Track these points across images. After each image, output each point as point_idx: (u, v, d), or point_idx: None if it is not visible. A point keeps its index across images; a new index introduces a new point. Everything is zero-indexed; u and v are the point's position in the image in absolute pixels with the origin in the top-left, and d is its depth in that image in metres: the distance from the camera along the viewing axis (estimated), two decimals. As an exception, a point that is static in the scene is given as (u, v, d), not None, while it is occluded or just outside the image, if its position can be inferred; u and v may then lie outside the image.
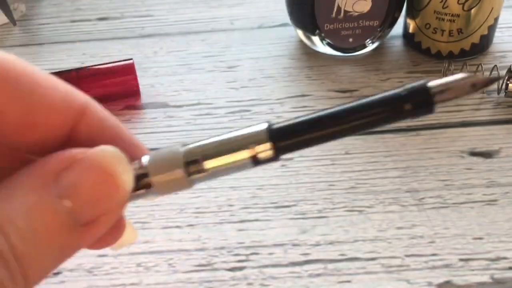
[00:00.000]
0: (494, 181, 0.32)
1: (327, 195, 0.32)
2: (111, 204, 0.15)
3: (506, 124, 0.35)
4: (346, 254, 0.28)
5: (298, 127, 0.17)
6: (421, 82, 0.16)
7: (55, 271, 0.17)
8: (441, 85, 0.15)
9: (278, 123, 0.17)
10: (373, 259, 0.28)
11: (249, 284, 0.28)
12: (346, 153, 0.34)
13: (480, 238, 0.29)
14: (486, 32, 0.38)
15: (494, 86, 0.37)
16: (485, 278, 0.27)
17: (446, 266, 0.28)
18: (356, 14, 0.38)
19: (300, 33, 0.41)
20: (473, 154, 0.33)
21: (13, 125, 0.15)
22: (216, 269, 0.28)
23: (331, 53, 0.41)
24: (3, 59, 0.15)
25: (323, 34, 0.39)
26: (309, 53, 0.42)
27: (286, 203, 0.31)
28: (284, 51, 0.43)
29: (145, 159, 0.17)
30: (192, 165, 0.17)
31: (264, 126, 0.17)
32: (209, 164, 0.17)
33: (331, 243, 0.29)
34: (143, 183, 0.17)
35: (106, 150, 0.15)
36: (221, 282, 0.28)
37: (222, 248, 0.29)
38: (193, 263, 0.29)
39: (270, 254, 0.29)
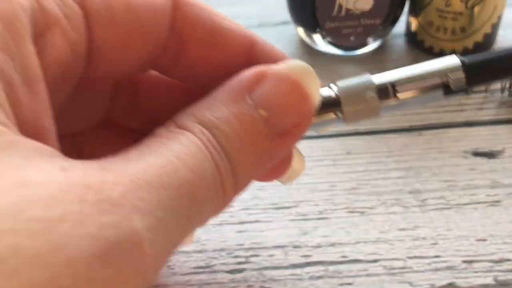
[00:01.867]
0: (497, 182, 0.31)
1: (328, 196, 0.31)
2: (302, 114, 0.16)
3: (509, 124, 0.35)
4: (347, 256, 0.28)
5: (489, 60, 0.17)
6: None
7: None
8: None
9: (467, 56, 0.18)
10: (375, 261, 0.28)
11: (249, 286, 0.27)
12: (348, 154, 0.34)
13: (484, 240, 0.28)
14: (489, 31, 0.38)
15: (498, 85, 0.36)
16: (488, 280, 0.27)
17: (449, 268, 0.27)
18: (358, 12, 0.38)
19: (301, 31, 0.41)
20: (477, 154, 0.33)
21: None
22: (215, 271, 0.28)
23: (332, 51, 0.40)
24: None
25: (324, 33, 0.39)
26: (310, 51, 0.41)
27: (287, 204, 0.31)
28: (285, 49, 0.42)
29: (335, 85, 0.18)
30: (383, 92, 0.18)
31: (455, 57, 0.18)
32: (401, 89, 0.18)
33: (332, 244, 0.29)
34: (333, 109, 0.17)
35: (295, 64, 0.16)
36: (221, 285, 0.27)
37: (222, 250, 0.29)
38: (192, 265, 0.28)
39: (270, 256, 0.28)
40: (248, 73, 0.16)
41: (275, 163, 0.17)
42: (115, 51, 0.16)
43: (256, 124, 0.15)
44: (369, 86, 0.17)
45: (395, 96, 0.17)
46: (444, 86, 0.17)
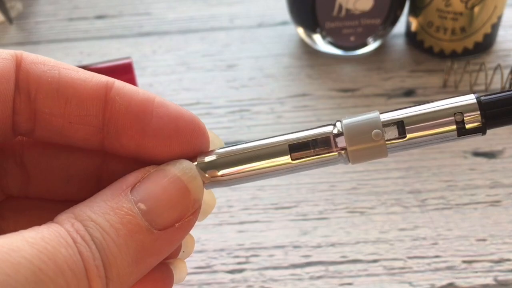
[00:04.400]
0: (497, 182, 0.31)
1: (328, 196, 0.31)
2: (182, 210, 0.16)
3: (510, 124, 0.35)
4: (347, 256, 0.28)
5: (507, 99, 0.16)
6: None
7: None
8: None
9: (485, 95, 0.16)
10: (375, 261, 0.28)
11: (249, 286, 0.27)
12: (348, 153, 0.34)
13: (484, 240, 0.28)
14: (489, 31, 0.38)
15: (498, 85, 0.36)
16: (488, 280, 0.27)
17: (449, 268, 0.27)
18: (358, 12, 0.38)
19: (301, 31, 0.41)
20: (477, 154, 0.33)
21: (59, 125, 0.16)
22: (215, 271, 0.28)
23: (332, 51, 0.40)
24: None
25: (324, 33, 0.39)
26: (310, 51, 0.41)
27: (287, 204, 0.31)
28: (285, 49, 0.42)
29: (340, 124, 0.17)
30: (391, 131, 0.16)
31: (471, 96, 0.16)
32: (410, 128, 0.16)
33: (332, 244, 0.29)
34: (337, 148, 0.17)
35: (178, 162, 0.17)
36: (221, 285, 0.27)
37: (222, 250, 0.29)
38: (192, 265, 0.28)
39: (270, 256, 0.28)
40: (132, 173, 0.16)
41: (161, 258, 0.16)
42: None
43: (134, 218, 0.15)
44: (376, 124, 0.16)
45: (403, 135, 0.16)
46: (458, 126, 0.16)
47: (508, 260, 0.27)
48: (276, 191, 0.32)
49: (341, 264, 0.28)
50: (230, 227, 0.30)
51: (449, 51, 0.39)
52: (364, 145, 0.16)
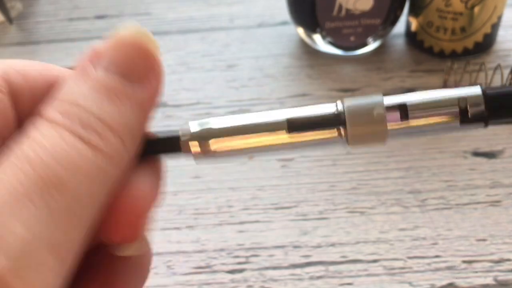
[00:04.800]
0: (497, 182, 0.31)
1: (328, 196, 0.31)
2: (149, 63, 0.17)
3: (509, 124, 0.35)
4: (347, 256, 0.28)
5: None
6: None
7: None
8: None
9: (491, 88, 0.16)
10: (375, 261, 0.28)
11: (249, 286, 0.27)
12: (348, 154, 0.34)
13: (484, 240, 0.28)
14: (489, 31, 0.38)
15: (498, 84, 0.36)
16: (488, 280, 0.27)
17: (449, 268, 0.27)
18: (358, 12, 0.38)
19: (301, 31, 0.41)
20: (477, 154, 0.33)
21: None
22: (215, 271, 0.28)
23: (332, 51, 0.40)
24: None
25: (324, 33, 0.39)
26: (310, 51, 0.41)
27: (287, 204, 0.31)
28: (285, 49, 0.42)
29: (341, 104, 0.16)
30: (393, 113, 0.16)
31: (477, 87, 0.16)
32: (413, 113, 0.16)
33: (332, 244, 0.29)
34: (337, 128, 0.16)
35: (132, 28, 0.17)
36: (221, 285, 0.27)
37: (222, 250, 0.29)
38: (192, 265, 0.28)
39: (270, 256, 0.28)
40: (84, 56, 0.16)
41: (154, 105, 0.17)
42: None
43: (113, 82, 0.15)
44: (379, 105, 0.16)
45: (406, 119, 0.16)
46: (462, 113, 0.16)
47: (508, 260, 0.27)
48: (276, 191, 0.32)
49: (341, 264, 0.28)
50: (230, 227, 0.30)
51: (449, 51, 0.39)
52: (365, 126, 0.16)
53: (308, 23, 0.39)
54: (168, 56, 0.42)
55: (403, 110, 0.16)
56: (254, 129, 0.16)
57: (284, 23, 0.44)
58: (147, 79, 0.17)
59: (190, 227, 0.30)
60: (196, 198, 0.31)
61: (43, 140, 0.13)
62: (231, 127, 0.17)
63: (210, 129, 0.17)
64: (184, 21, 0.46)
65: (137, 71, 0.16)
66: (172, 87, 0.39)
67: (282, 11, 0.43)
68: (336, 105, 0.16)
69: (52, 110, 0.14)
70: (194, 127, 0.17)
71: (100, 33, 0.45)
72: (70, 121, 0.14)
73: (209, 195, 0.32)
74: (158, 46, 0.17)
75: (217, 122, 0.17)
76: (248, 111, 0.37)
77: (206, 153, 0.17)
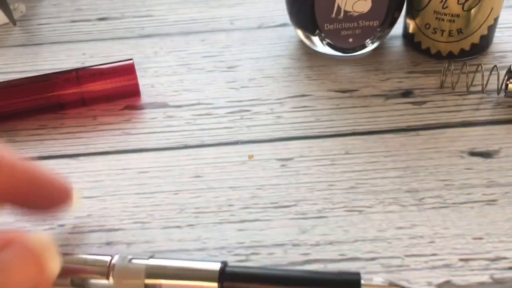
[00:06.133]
0: (494, 181, 0.32)
1: (327, 195, 0.32)
2: (36, 281, 0.18)
3: (506, 124, 0.35)
4: (346, 254, 0.29)
5: (248, 276, 0.23)
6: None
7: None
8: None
9: (232, 267, 0.23)
10: (373, 259, 0.28)
11: (249, 284, 0.28)
12: (346, 153, 0.34)
13: (480, 238, 0.29)
14: (486, 32, 0.38)
15: (494, 86, 0.37)
16: (485, 278, 0.27)
17: (446, 266, 0.28)
18: (356, 14, 0.38)
19: (300, 33, 0.41)
20: (473, 154, 0.33)
21: None
22: (216, 269, 0.28)
23: (331, 53, 0.41)
24: None
25: (323, 34, 0.39)
26: (309, 53, 0.42)
27: (286, 203, 0.31)
28: (284, 51, 0.43)
29: (114, 260, 0.24)
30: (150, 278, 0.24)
31: (217, 265, 0.23)
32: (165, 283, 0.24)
33: (330, 243, 0.29)
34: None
35: (38, 237, 0.19)
36: (221, 282, 0.28)
37: (222, 248, 0.29)
38: (193, 263, 0.29)
39: (270, 254, 0.29)
40: None
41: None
42: None
43: None
44: (140, 273, 0.25)
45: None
46: None
47: (504, 258, 0.28)
48: (276, 190, 0.32)
49: (340, 262, 0.28)
50: (231, 226, 0.30)
51: (446, 52, 0.39)
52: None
53: (307, 25, 0.40)
54: (169, 57, 0.43)
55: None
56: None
57: (283, 25, 0.45)
58: None
59: (191, 225, 0.30)
60: (196, 197, 0.32)
61: None
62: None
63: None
64: (185, 23, 0.46)
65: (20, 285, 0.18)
66: (173, 87, 0.40)
67: (282, 13, 0.43)
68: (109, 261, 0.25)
69: None
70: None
71: (102, 34, 0.46)
72: None
73: (210, 194, 0.32)
74: (56, 266, 0.19)
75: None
76: (248, 111, 0.37)
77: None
